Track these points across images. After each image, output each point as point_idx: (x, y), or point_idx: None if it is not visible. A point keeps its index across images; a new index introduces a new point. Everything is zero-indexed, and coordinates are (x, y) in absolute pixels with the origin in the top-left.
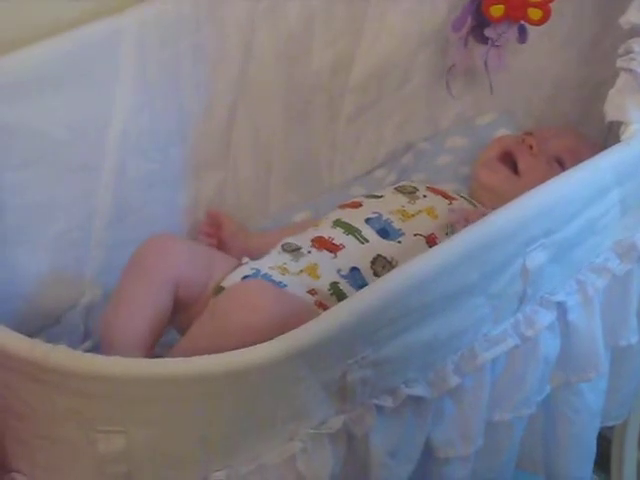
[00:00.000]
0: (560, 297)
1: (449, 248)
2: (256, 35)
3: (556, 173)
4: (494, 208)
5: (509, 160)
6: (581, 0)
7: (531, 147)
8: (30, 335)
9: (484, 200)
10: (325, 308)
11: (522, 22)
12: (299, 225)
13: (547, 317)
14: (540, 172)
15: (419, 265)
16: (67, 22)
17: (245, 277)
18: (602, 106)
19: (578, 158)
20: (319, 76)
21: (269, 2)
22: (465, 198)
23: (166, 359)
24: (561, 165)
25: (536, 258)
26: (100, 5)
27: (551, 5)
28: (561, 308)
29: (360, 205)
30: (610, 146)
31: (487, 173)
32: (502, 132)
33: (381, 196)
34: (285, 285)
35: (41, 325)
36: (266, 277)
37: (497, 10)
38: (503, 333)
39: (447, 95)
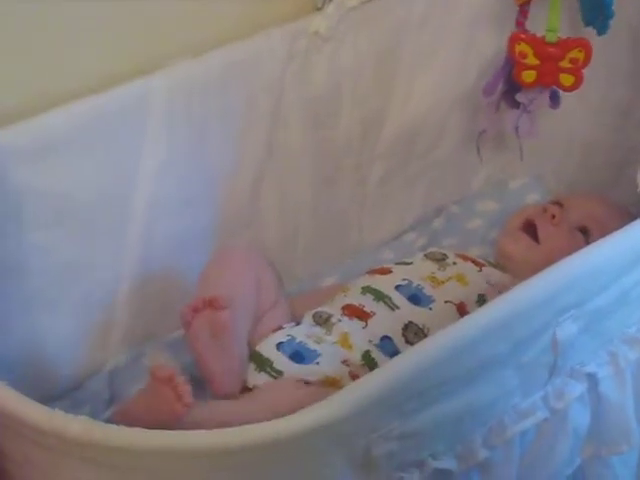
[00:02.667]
0: (591, 368)
1: (480, 318)
2: (284, 97)
3: (578, 242)
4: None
5: (531, 229)
6: (614, 66)
7: (553, 216)
8: (54, 399)
9: (508, 267)
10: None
11: (554, 87)
12: (327, 291)
13: (577, 389)
14: (561, 241)
15: (450, 336)
16: (95, 84)
17: (279, 343)
18: (634, 171)
19: (604, 227)
20: (348, 139)
21: (298, 64)
22: (492, 264)
23: (188, 432)
24: (585, 234)
25: (567, 329)
26: (127, 68)
27: (583, 71)
28: (592, 380)
29: (390, 272)
30: None
31: (508, 243)
32: (532, 197)
33: (410, 263)
34: (320, 354)
35: (65, 389)
36: (301, 345)
37: (529, 76)
38: (532, 405)
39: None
